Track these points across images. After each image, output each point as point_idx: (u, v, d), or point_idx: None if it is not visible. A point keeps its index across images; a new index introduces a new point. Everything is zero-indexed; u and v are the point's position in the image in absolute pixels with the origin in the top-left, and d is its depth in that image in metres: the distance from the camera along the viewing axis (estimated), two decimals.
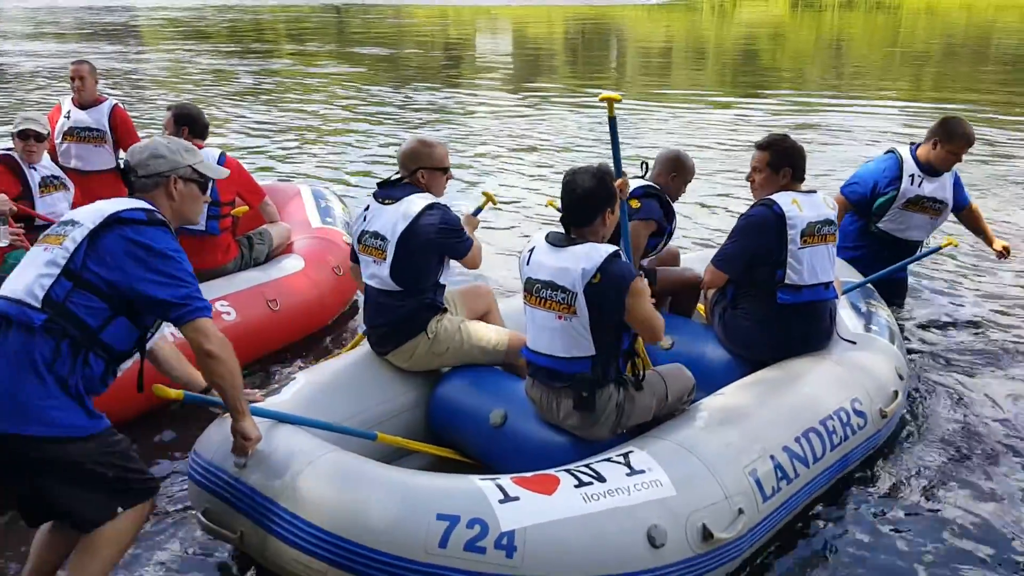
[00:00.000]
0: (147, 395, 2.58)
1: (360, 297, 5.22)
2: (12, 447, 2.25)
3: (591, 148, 10.27)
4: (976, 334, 4.97)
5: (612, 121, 3.29)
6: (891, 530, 3.18)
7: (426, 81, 16.55)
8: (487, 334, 3.47)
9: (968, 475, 3.53)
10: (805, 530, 3.15)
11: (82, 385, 2.34)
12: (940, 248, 4.77)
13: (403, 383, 3.42)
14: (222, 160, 4.51)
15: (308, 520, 2.45)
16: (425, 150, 3.37)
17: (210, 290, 4.18)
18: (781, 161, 3.66)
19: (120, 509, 2.41)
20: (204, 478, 2.74)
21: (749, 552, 2.87)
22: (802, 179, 3.71)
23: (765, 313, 3.62)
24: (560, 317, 2.90)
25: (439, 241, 3.28)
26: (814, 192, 3.72)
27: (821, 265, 3.61)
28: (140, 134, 5.83)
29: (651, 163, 4.01)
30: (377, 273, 3.35)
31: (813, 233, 3.57)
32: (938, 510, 3.30)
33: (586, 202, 2.92)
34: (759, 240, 3.59)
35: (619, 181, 3.13)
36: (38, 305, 2.30)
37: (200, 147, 4.59)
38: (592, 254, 2.85)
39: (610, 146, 3.38)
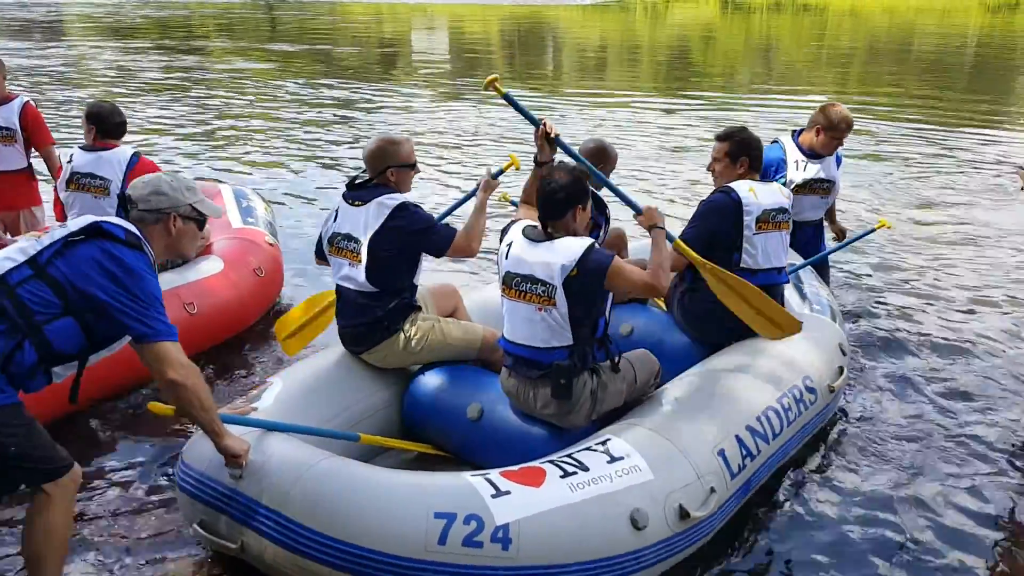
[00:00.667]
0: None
1: (282, 300, 5.25)
2: None
3: (524, 143, 10.42)
4: (903, 309, 5.35)
5: (507, 97, 3.37)
6: (838, 497, 3.44)
7: (360, 79, 16.45)
8: (461, 331, 3.55)
9: (904, 441, 3.85)
10: (765, 503, 3.36)
11: (8, 367, 2.36)
12: (874, 230, 4.98)
13: (376, 382, 3.48)
14: (135, 160, 4.48)
15: (311, 526, 2.50)
16: (392, 148, 3.41)
17: None
18: (739, 151, 3.87)
19: (24, 487, 2.43)
20: (197, 489, 2.75)
21: (721, 526, 3.06)
22: (759, 169, 3.92)
23: None
24: (540, 309, 3.04)
25: (414, 241, 3.34)
26: (772, 182, 3.93)
27: (774, 251, 3.81)
28: (54, 133, 5.62)
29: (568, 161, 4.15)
30: (352, 275, 3.40)
31: (768, 220, 3.76)
32: (880, 474, 3.58)
33: (557, 196, 3.07)
34: (717, 224, 3.76)
35: (541, 129, 3.34)
36: None
37: (114, 146, 4.56)
38: (570, 249, 3.01)
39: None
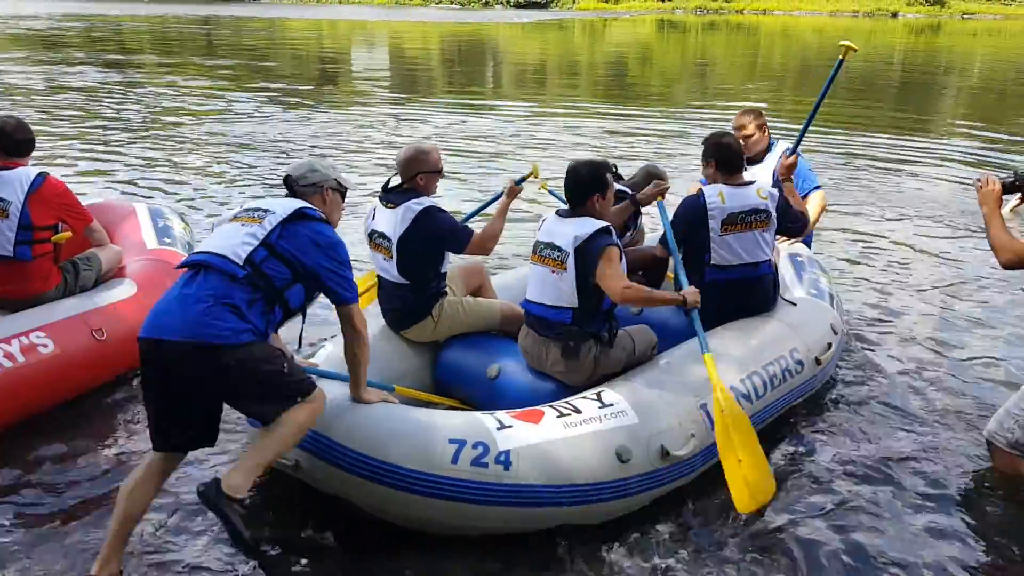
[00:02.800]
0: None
1: None
2: (205, 359, 2.79)
3: (469, 153, 10.87)
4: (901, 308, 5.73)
5: None
6: (820, 461, 3.82)
7: (296, 94, 16.21)
8: (482, 308, 4.06)
9: (892, 422, 4.17)
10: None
11: (268, 325, 2.97)
12: (842, 61, 4.54)
13: (413, 349, 4.01)
14: (40, 181, 4.24)
15: (351, 447, 3.01)
16: (423, 156, 3.88)
17: (24, 320, 4.05)
18: (707, 154, 4.27)
19: (299, 399, 2.95)
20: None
21: (704, 468, 3.49)
22: (731, 170, 4.20)
23: (700, 287, 4.05)
24: (554, 271, 3.56)
25: (437, 241, 3.82)
26: (750, 183, 4.19)
27: (749, 249, 4.09)
28: None
29: (618, 166, 4.49)
30: (387, 268, 3.89)
31: (735, 222, 4.04)
32: (862, 444, 3.97)
33: (578, 187, 3.62)
34: (684, 223, 4.17)
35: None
36: (240, 262, 2.89)
37: (17, 165, 4.30)
38: (586, 225, 3.53)
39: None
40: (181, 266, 3.01)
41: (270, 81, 18.34)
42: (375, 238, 3.92)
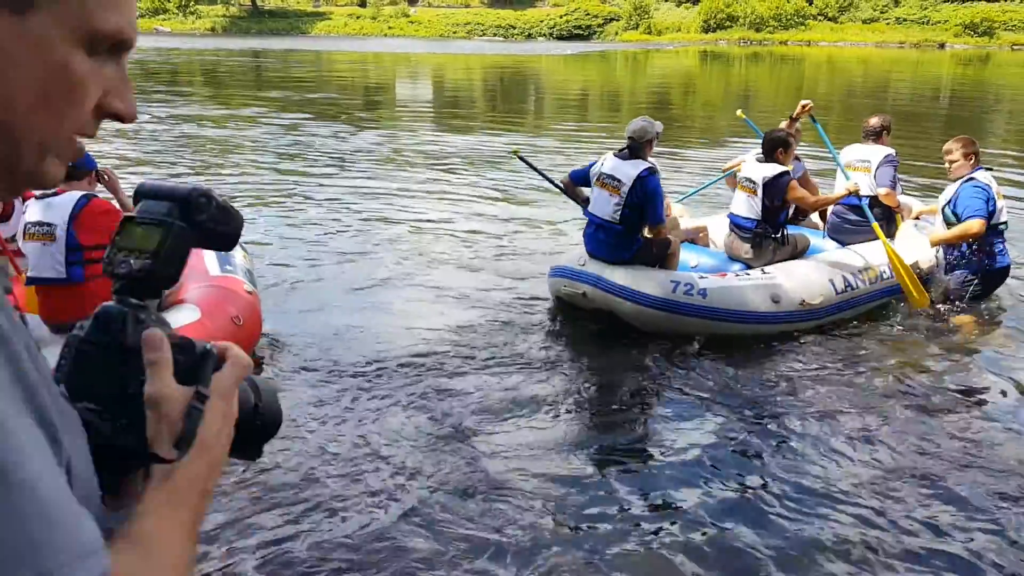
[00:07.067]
0: None
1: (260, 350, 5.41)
2: None
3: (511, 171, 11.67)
4: None
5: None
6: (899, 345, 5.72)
7: (344, 125, 17.13)
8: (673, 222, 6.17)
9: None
10: (850, 328, 5.76)
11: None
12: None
13: None
14: (84, 202, 4.39)
15: (620, 283, 5.39)
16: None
17: None
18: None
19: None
20: (560, 274, 5.75)
21: (826, 319, 5.63)
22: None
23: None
24: (749, 196, 5.86)
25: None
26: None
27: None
28: None
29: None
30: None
31: None
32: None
33: (766, 145, 6.01)
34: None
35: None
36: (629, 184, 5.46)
37: (70, 190, 4.44)
38: (771, 168, 5.87)
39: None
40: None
41: (317, 113, 18.97)
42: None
